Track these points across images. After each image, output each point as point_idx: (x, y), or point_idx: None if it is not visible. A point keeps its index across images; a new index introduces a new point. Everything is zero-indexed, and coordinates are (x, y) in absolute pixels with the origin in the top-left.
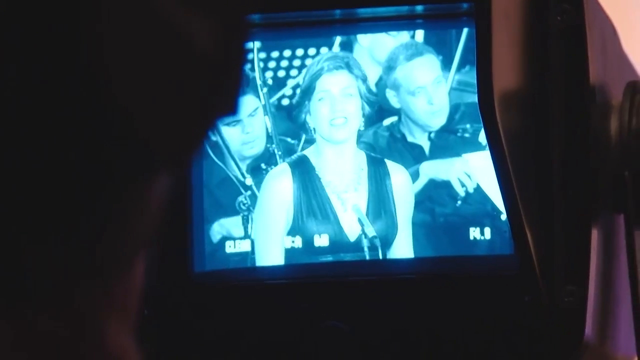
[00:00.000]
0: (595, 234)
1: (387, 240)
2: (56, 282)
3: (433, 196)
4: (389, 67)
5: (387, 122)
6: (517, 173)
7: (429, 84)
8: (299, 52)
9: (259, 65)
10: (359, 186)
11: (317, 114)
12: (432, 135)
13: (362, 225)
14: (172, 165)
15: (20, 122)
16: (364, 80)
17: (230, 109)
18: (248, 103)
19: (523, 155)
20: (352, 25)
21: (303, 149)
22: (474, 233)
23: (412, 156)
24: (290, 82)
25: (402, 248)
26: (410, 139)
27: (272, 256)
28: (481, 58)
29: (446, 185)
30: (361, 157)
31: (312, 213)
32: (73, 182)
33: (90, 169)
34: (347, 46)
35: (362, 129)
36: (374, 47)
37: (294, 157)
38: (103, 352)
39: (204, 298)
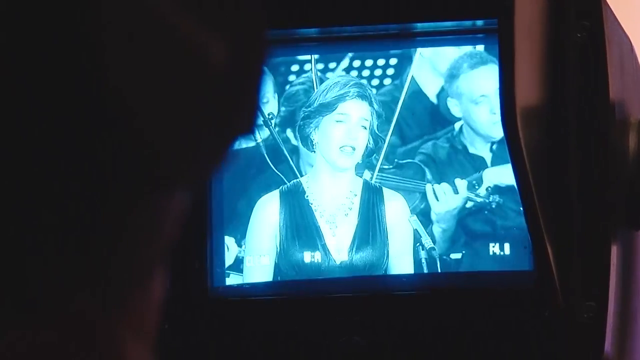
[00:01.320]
0: (614, 251)
1: (376, 268)
2: (67, 295)
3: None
4: (452, 75)
5: (446, 132)
6: (537, 188)
7: (491, 93)
8: (380, 62)
9: (316, 75)
10: (350, 211)
11: (328, 134)
12: (494, 146)
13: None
14: (187, 182)
15: (36, 132)
16: (379, 116)
17: (246, 127)
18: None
19: (544, 170)
20: (412, 40)
21: (300, 172)
22: (494, 248)
23: (474, 167)
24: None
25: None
26: (472, 150)
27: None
28: (504, 73)
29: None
30: (357, 183)
31: (298, 236)
32: (86, 195)
33: (102, 182)
34: (406, 58)
35: (360, 161)
36: (436, 58)
37: (289, 184)
38: None
39: (222, 312)
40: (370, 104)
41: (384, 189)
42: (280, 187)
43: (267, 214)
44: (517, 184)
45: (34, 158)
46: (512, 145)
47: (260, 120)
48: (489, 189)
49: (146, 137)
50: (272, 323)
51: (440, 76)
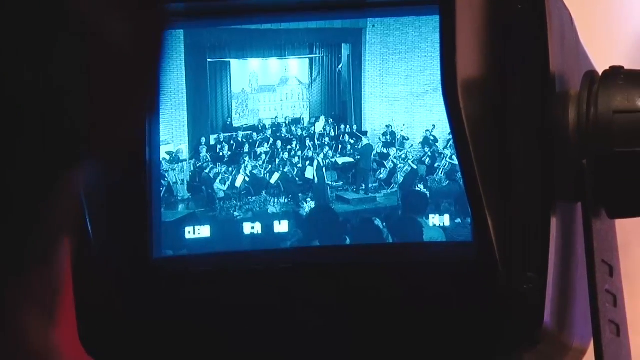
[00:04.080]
0: (554, 222)
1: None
2: None
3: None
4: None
5: None
6: (478, 160)
7: None
8: None
9: None
10: None
11: None
12: None
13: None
14: (90, 158)
15: None
16: None
17: (150, 104)
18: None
19: (485, 143)
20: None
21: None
22: (434, 220)
23: None
24: None
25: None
26: None
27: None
28: (445, 46)
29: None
30: None
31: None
32: None
33: (6, 158)
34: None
35: None
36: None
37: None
38: (24, 348)
39: (162, 284)
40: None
41: None
42: None
43: None
44: (457, 156)
45: None
46: (453, 117)
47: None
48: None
49: (47, 114)
50: (212, 294)
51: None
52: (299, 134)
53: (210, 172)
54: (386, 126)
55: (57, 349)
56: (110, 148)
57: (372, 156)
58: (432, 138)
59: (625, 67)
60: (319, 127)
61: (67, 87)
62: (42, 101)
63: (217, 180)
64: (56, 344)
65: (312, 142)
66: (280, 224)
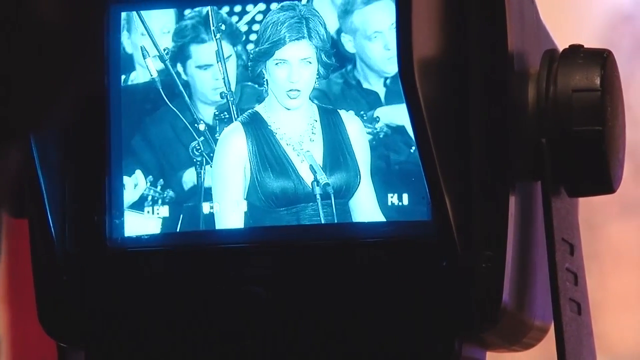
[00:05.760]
0: (513, 201)
1: (348, 189)
2: None
3: (388, 143)
4: (346, 11)
5: (341, 69)
6: (436, 139)
7: (385, 29)
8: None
9: (214, 13)
10: (314, 136)
11: (274, 76)
12: (388, 81)
13: (314, 172)
14: (29, 133)
15: None
16: (323, 46)
17: (91, 78)
18: (200, 69)
19: (443, 122)
20: None
21: (255, 102)
22: (392, 199)
23: (368, 102)
24: (244, 29)
25: (365, 196)
26: (365, 85)
27: (232, 219)
28: (401, 25)
29: (401, 131)
30: (313, 110)
31: (270, 167)
32: None
33: None
34: None
35: (317, 83)
36: None
37: (246, 114)
38: None
39: (119, 264)
40: (310, 40)
41: (340, 111)
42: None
43: (233, 147)
44: (414, 134)
45: None
46: (409, 96)
47: (153, 55)
48: (384, 127)
49: None
50: (171, 274)
51: (335, 11)
52: None
53: None
54: None
55: None
56: (33, 130)
57: None
58: None
59: (596, 47)
60: None
61: (7, 62)
62: None
63: None
64: None
65: None
66: (238, 204)
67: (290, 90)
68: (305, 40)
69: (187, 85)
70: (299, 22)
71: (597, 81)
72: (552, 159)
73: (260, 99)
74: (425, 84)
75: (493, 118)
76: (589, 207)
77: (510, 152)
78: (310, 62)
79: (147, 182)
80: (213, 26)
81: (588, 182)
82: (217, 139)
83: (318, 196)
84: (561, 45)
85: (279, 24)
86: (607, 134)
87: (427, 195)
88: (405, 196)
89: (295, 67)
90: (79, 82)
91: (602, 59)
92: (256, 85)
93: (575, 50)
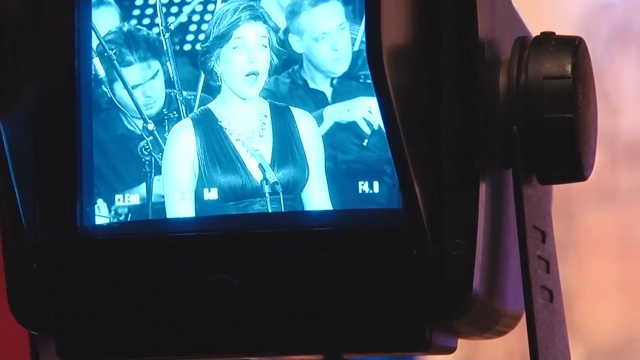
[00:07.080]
0: (483, 189)
1: (296, 186)
2: None
3: (335, 142)
4: (293, 12)
5: (289, 69)
6: (405, 128)
7: (333, 30)
8: None
9: (160, 11)
10: (264, 132)
11: (231, 63)
12: (335, 81)
13: (263, 171)
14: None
15: None
16: (276, 32)
17: (56, 69)
18: (147, 67)
19: (413, 110)
20: None
21: (207, 98)
22: (363, 187)
23: (315, 102)
24: (192, 27)
25: (316, 193)
26: (312, 85)
27: (180, 210)
28: (370, 13)
29: (352, 127)
30: (264, 105)
31: (219, 163)
32: None
33: None
34: None
35: (267, 80)
36: None
37: (198, 111)
38: None
39: (90, 252)
40: (265, 22)
41: (291, 108)
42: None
43: (181, 143)
44: (384, 123)
45: None
46: (378, 85)
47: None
48: (331, 126)
49: None
50: (142, 262)
51: (283, 12)
52: None
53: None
54: None
55: None
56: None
57: None
58: None
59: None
60: None
61: None
62: None
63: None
64: None
65: None
66: (209, 191)
67: (248, 75)
68: (261, 22)
69: (135, 86)
70: (253, 6)
71: (569, 69)
72: (523, 146)
73: (212, 95)
74: (394, 72)
75: (463, 106)
76: (566, 195)
77: (481, 140)
78: (265, 46)
79: (118, 170)
80: (162, 25)
81: (559, 169)
82: (166, 138)
83: (267, 193)
84: (538, 33)
85: (234, 10)
86: (578, 121)
87: (397, 183)
88: (375, 184)
89: (253, 47)
90: (47, 68)
91: (573, 47)
92: (210, 82)
93: (547, 37)
